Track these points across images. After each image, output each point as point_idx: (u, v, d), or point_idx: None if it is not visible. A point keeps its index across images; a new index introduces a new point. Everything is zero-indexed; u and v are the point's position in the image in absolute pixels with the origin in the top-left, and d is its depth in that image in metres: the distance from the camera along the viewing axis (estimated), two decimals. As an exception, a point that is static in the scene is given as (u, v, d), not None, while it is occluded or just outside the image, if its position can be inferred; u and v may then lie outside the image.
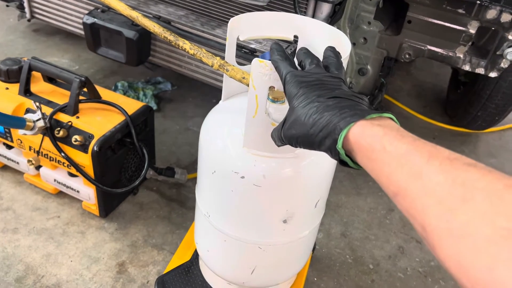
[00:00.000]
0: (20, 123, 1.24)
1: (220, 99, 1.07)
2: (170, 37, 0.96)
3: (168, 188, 1.59)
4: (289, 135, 0.66)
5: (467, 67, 1.36)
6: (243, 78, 0.91)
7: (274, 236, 1.00)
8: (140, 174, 1.49)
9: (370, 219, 1.61)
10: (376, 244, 1.51)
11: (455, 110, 2.10)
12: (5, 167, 1.57)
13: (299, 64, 0.74)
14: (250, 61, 1.32)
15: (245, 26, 0.96)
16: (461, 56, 1.34)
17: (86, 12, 1.52)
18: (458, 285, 0.66)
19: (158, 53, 1.50)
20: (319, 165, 0.95)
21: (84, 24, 1.42)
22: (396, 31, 1.41)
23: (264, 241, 1.00)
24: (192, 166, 1.72)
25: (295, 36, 1.01)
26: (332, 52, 0.76)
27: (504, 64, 1.29)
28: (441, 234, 0.42)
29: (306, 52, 0.74)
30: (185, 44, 0.95)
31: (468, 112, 1.93)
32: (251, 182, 0.90)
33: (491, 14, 1.24)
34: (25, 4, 1.73)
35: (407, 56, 1.41)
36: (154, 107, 1.98)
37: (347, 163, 0.59)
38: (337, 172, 0.92)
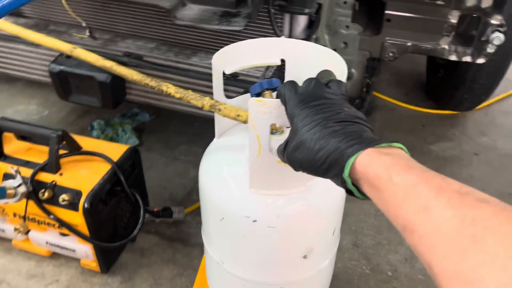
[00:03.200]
0: (1, 193, 1.14)
1: (201, 122, 1.00)
2: (152, 83, 0.90)
3: (167, 227, 1.52)
4: (293, 159, 0.63)
5: (453, 57, 1.33)
6: (238, 116, 0.86)
7: (295, 274, 0.94)
8: (135, 220, 1.42)
9: (378, 222, 1.57)
10: (390, 248, 1.47)
11: (439, 94, 2.09)
12: (-10, 236, 1.46)
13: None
14: (232, 86, 1.27)
15: (230, 59, 0.90)
16: (446, 47, 1.31)
17: (50, 58, 1.43)
18: None
19: (135, 90, 1.42)
20: (331, 193, 0.90)
21: (50, 73, 1.33)
22: (376, 31, 1.37)
23: (286, 280, 0.94)
24: (187, 198, 1.64)
25: (282, 60, 0.95)
26: (328, 71, 0.73)
27: (490, 49, 1.27)
28: (449, 277, 0.40)
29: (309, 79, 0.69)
30: (169, 89, 0.89)
31: (454, 95, 1.91)
32: (264, 225, 0.85)
33: (471, 1, 1.21)
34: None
35: (390, 54, 1.37)
36: (136, 141, 1.89)
37: (353, 193, 0.57)
38: None
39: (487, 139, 1.98)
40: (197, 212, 1.58)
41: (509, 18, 1.43)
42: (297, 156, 0.61)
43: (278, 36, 1.18)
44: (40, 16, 1.54)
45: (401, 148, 0.55)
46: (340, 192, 0.92)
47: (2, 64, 1.54)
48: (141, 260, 1.41)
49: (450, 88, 1.92)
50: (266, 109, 0.73)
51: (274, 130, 0.87)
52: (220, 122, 0.96)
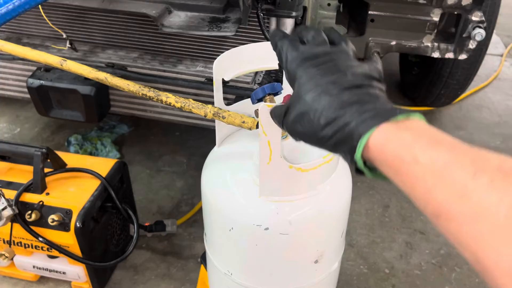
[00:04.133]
0: (-16, 219, 1.08)
1: (183, 130, 0.97)
2: (150, 93, 0.86)
3: (158, 241, 1.47)
4: (294, 131, 0.55)
5: (436, 54, 1.35)
6: (243, 122, 0.84)
7: (306, 279, 0.93)
8: (126, 236, 1.37)
9: (370, 221, 1.58)
10: (384, 246, 1.49)
11: (416, 91, 2.13)
12: (-31, 264, 1.37)
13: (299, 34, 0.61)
14: (225, 93, 1.24)
15: (229, 65, 0.89)
16: (429, 44, 1.34)
17: (25, 73, 1.37)
18: (472, 269, 0.59)
19: (119, 102, 1.37)
20: (340, 194, 0.90)
21: (29, 88, 1.26)
22: (359, 32, 1.38)
23: (297, 286, 0.93)
24: (176, 210, 1.60)
25: (280, 68, 0.94)
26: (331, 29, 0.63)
27: (471, 45, 1.30)
28: (507, 273, 0.35)
29: (306, 27, 0.63)
30: (169, 98, 0.86)
31: (431, 92, 1.96)
32: (277, 232, 0.83)
33: (452, -1, 1.24)
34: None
35: (375, 54, 1.39)
36: (117, 155, 1.83)
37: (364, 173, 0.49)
38: None
39: (464, 133, 2.04)
40: (188, 224, 1.55)
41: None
42: (300, 129, 0.53)
43: (268, 39, 1.17)
44: (11, 30, 1.46)
45: (420, 119, 0.47)
46: (348, 192, 0.92)
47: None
48: (135, 277, 1.36)
49: (426, 84, 1.96)
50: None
51: (282, 134, 0.86)
52: (220, 129, 0.93)
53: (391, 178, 0.46)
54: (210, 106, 0.85)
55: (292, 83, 0.56)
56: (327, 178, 0.85)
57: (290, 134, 0.57)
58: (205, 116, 0.85)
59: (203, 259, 1.16)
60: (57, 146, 1.88)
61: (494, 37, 3.04)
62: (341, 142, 0.49)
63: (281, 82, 0.96)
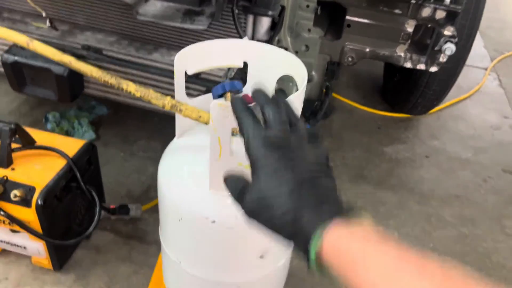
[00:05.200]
0: None
1: (161, 117, 0.99)
2: (112, 80, 0.88)
3: (123, 225, 1.49)
4: (250, 213, 0.57)
5: (408, 64, 1.38)
6: (199, 117, 0.86)
7: (251, 273, 0.96)
8: (90, 216, 1.39)
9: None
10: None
11: (395, 98, 2.16)
12: None
13: (261, 109, 0.62)
14: (195, 85, 1.26)
15: (192, 59, 0.90)
16: (402, 54, 1.37)
17: (3, 47, 1.37)
18: None
19: (93, 84, 1.38)
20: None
21: (3, 63, 1.27)
22: (336, 35, 1.40)
23: (243, 279, 0.96)
24: (145, 195, 1.63)
25: (245, 62, 0.96)
26: (283, 95, 0.68)
27: (443, 59, 1.33)
28: None
29: (266, 98, 0.62)
30: (130, 87, 0.88)
31: (408, 100, 1.99)
32: (223, 225, 0.85)
33: (426, 12, 1.27)
34: None
35: (350, 59, 1.41)
36: (93, 135, 1.85)
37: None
38: None
39: (438, 143, 2.07)
40: (155, 210, 1.57)
41: (461, 28, 1.51)
42: (255, 212, 0.55)
43: (241, 36, 1.19)
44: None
45: (369, 220, 0.51)
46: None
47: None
48: (96, 258, 1.38)
49: (405, 92, 1.99)
50: (228, 113, 0.73)
51: (234, 132, 0.88)
52: (180, 122, 0.96)
53: (342, 279, 0.48)
54: (168, 98, 0.87)
55: (252, 164, 0.57)
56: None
57: (245, 214, 0.58)
58: (163, 107, 0.87)
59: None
60: (35, 122, 1.89)
61: (482, 50, 3.08)
62: (296, 234, 0.52)
63: (245, 80, 0.99)
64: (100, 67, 1.15)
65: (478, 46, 3.08)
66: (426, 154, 2.00)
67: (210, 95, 0.96)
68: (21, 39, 0.91)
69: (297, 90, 0.82)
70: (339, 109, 2.19)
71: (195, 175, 0.90)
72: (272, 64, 0.92)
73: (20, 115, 1.92)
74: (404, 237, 1.58)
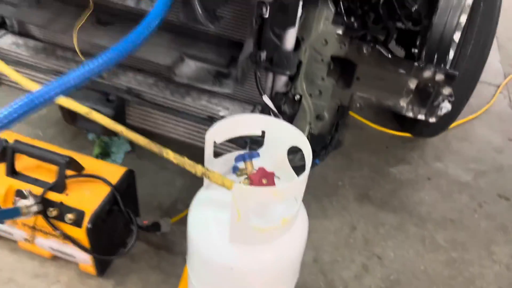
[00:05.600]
0: (16, 214, 1.34)
1: None
2: (155, 148, 1.10)
3: (154, 235, 1.74)
4: None
5: (410, 114, 1.55)
6: (223, 184, 1.07)
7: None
8: (127, 230, 1.63)
9: (337, 240, 1.83)
10: (343, 265, 1.74)
11: (405, 118, 2.31)
12: (-3, 234, 1.66)
13: None
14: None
15: (220, 132, 1.11)
16: (404, 105, 1.53)
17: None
18: None
19: (133, 117, 1.60)
20: (295, 244, 1.14)
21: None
22: (347, 84, 1.58)
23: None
24: (173, 207, 1.87)
25: (263, 131, 1.16)
26: None
27: (440, 112, 1.50)
28: None
29: None
30: (169, 155, 1.09)
31: (418, 121, 2.13)
32: (240, 272, 1.08)
33: (427, 73, 1.43)
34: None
35: (357, 105, 1.58)
36: (129, 148, 2.08)
37: None
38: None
39: (441, 165, 2.24)
40: (181, 222, 1.80)
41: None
42: None
43: (262, 91, 1.38)
44: (48, 39, 1.68)
45: None
46: (302, 242, 1.16)
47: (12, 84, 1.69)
48: (131, 266, 1.63)
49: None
50: (247, 194, 0.95)
51: (239, 173, 1.10)
52: (210, 162, 1.16)
53: None
54: (199, 166, 1.08)
55: None
56: (284, 233, 1.09)
57: None
58: (195, 173, 1.08)
59: (189, 259, 1.43)
60: (78, 133, 2.13)
61: (497, 65, 3.15)
62: None
63: (261, 146, 1.19)
64: (141, 109, 1.37)
65: (494, 60, 3.16)
66: (429, 176, 2.17)
67: (230, 155, 1.17)
68: (83, 109, 1.12)
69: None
70: (351, 126, 2.36)
71: (217, 225, 1.11)
72: (284, 135, 1.12)
73: (64, 126, 2.16)
74: (399, 259, 1.79)
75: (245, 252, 1.07)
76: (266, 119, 1.13)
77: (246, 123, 1.13)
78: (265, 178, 1.05)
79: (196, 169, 1.07)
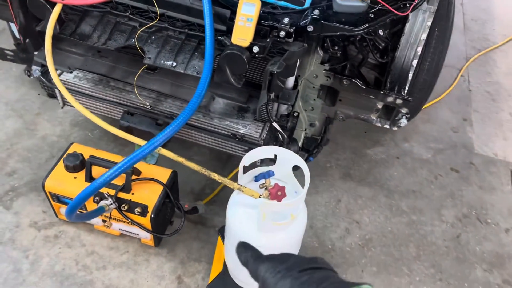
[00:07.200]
0: (101, 211, 1.92)
1: None
2: (205, 172, 1.66)
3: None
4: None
5: (378, 124, 2.11)
6: (252, 195, 1.65)
7: None
8: (173, 211, 2.22)
9: (326, 210, 2.44)
10: (331, 229, 2.37)
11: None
12: (76, 220, 2.23)
13: None
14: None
15: (248, 158, 1.67)
16: (374, 118, 2.09)
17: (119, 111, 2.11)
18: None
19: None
20: (297, 231, 1.74)
21: (121, 126, 2.03)
22: (332, 103, 2.12)
23: None
24: (202, 191, 2.45)
25: (275, 156, 1.73)
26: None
27: (400, 125, 2.06)
28: None
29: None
30: (215, 176, 1.66)
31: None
32: (264, 249, 1.68)
33: (390, 99, 1.97)
34: (57, 93, 2.25)
35: (340, 117, 2.14)
36: (161, 143, 2.62)
37: None
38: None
39: (407, 145, 2.82)
40: (210, 203, 2.40)
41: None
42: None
43: (272, 119, 1.92)
44: (102, 73, 2.17)
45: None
46: (301, 229, 1.76)
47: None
48: (178, 237, 2.24)
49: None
50: (269, 205, 1.53)
51: (261, 186, 1.68)
52: (240, 181, 1.74)
53: None
54: (236, 184, 1.65)
55: (255, 276, 0.75)
56: (292, 223, 1.68)
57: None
58: (233, 188, 1.65)
59: (219, 231, 2.04)
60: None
61: (461, 48, 3.60)
62: None
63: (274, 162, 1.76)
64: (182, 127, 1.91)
65: (459, 43, 3.64)
66: (397, 156, 2.76)
67: (253, 171, 1.74)
68: (179, 159, 1.66)
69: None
70: (337, 114, 2.91)
71: (249, 220, 1.69)
72: (290, 159, 1.69)
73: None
74: (372, 223, 2.41)
75: (268, 236, 1.67)
76: (277, 149, 1.69)
77: (265, 151, 1.69)
78: (279, 191, 1.62)
79: (234, 185, 1.64)
